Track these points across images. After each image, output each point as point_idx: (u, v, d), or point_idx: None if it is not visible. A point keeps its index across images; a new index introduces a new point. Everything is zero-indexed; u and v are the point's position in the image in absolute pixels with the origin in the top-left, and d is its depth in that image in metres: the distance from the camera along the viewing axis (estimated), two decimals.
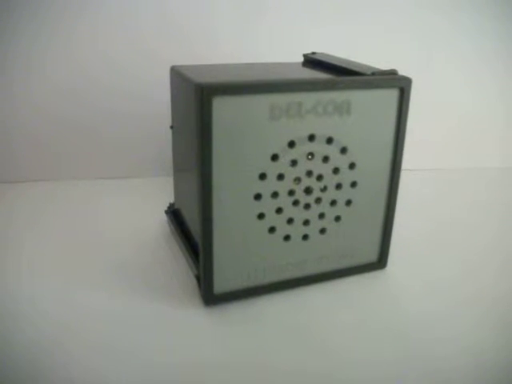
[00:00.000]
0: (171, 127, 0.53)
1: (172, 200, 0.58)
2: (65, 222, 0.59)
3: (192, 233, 0.49)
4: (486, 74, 0.77)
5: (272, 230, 0.44)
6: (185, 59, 0.58)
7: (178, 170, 0.53)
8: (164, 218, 0.59)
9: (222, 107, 0.39)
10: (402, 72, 0.45)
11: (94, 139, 0.71)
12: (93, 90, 0.68)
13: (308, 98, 0.41)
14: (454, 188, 0.74)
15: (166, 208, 0.58)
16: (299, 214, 0.45)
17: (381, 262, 0.50)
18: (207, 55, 0.67)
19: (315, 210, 0.45)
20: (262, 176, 0.42)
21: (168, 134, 0.54)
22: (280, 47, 0.69)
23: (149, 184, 0.71)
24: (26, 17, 0.63)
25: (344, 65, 0.47)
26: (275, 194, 0.43)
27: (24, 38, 0.64)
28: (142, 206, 0.64)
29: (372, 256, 0.50)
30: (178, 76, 0.47)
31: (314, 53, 0.55)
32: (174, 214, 0.56)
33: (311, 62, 0.53)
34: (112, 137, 0.71)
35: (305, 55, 0.55)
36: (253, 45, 0.69)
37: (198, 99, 0.38)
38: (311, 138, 0.42)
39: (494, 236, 0.60)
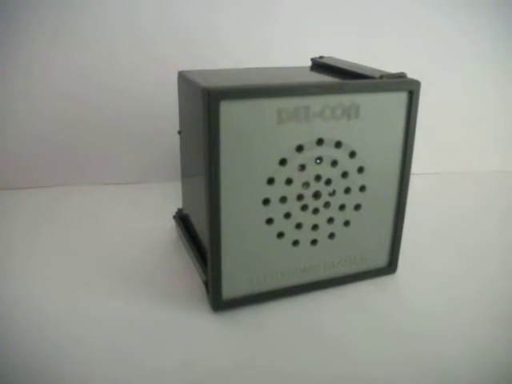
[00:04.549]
0: (179, 132, 0.53)
1: (180, 205, 0.58)
2: (73, 228, 0.60)
3: (200, 238, 0.49)
4: (485, 77, 0.77)
5: (280, 235, 0.44)
6: (192, 62, 0.58)
7: (186, 175, 0.53)
8: (172, 223, 0.58)
9: (229, 111, 0.39)
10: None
11: (102, 145, 0.71)
12: (99, 96, 0.69)
13: (315, 102, 0.41)
14: (464, 191, 0.74)
15: (174, 213, 0.58)
16: (308, 218, 0.44)
17: (391, 266, 0.50)
18: (215, 59, 0.66)
19: (324, 214, 0.45)
20: (271, 181, 0.42)
21: (176, 140, 0.54)
22: (288, 51, 0.69)
23: (157, 189, 0.71)
24: (26, 20, 0.64)
25: (352, 68, 0.47)
26: (284, 199, 0.43)
27: (26, 41, 0.65)
28: (150, 211, 0.64)
29: (382, 261, 0.49)
30: (185, 81, 0.47)
31: (321, 57, 0.55)
32: (182, 219, 0.56)
33: (319, 66, 0.53)
34: (120, 143, 0.71)
35: (312, 59, 0.55)
36: (260, 49, 0.69)
37: (206, 103, 0.38)
38: (319, 142, 0.42)
39: (506, 238, 0.59)
